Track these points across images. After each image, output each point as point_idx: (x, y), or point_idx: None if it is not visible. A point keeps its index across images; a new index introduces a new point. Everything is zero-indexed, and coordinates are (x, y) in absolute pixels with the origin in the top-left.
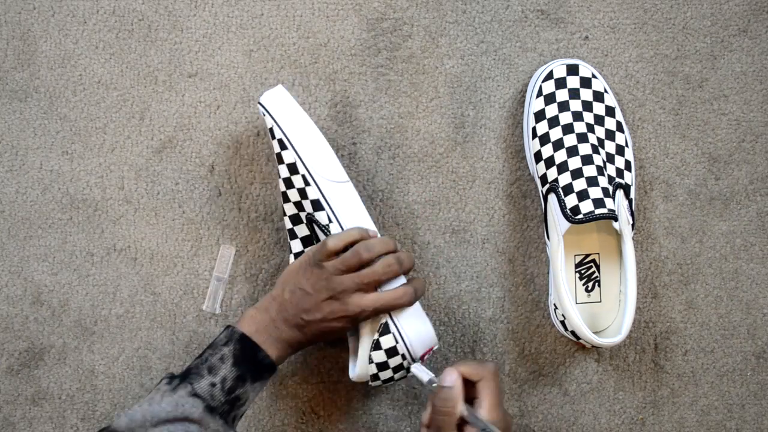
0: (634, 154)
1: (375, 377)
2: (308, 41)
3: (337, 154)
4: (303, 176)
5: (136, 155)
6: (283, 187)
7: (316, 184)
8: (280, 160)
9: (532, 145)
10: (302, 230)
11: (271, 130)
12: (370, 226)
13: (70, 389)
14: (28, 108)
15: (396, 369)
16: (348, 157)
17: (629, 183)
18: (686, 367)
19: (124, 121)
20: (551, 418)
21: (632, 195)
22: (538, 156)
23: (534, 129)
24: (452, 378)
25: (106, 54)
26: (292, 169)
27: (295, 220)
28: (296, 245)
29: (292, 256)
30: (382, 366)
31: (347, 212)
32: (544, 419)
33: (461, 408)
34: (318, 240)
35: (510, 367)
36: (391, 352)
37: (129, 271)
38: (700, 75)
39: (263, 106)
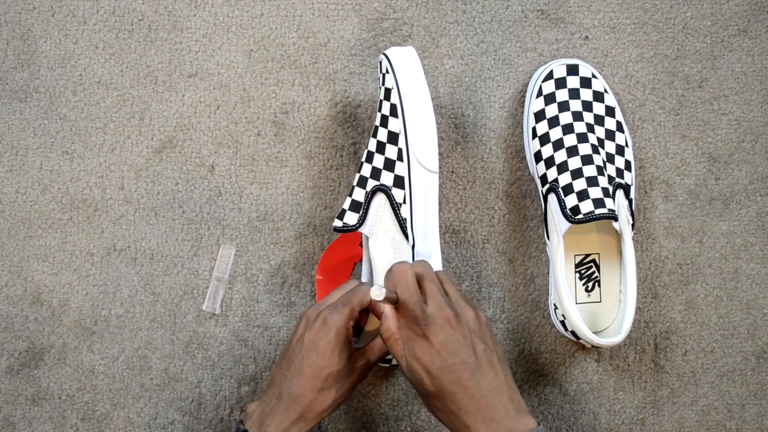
0: (634, 154)
1: None
2: (308, 41)
3: (336, 154)
4: (399, 150)
5: (136, 155)
6: (372, 148)
7: (408, 164)
8: (384, 123)
9: (532, 145)
10: (359, 194)
11: (387, 90)
12: (435, 221)
13: (70, 389)
14: (28, 108)
15: None
16: (348, 157)
17: (629, 183)
18: (686, 367)
19: (124, 121)
20: (551, 418)
21: (632, 195)
22: (538, 156)
23: (534, 129)
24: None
25: (106, 54)
26: (392, 138)
27: (361, 182)
28: (346, 203)
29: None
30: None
31: (423, 201)
32: (544, 419)
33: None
34: (366, 211)
35: (510, 367)
36: None
37: (129, 271)
38: (700, 75)
39: (390, 63)
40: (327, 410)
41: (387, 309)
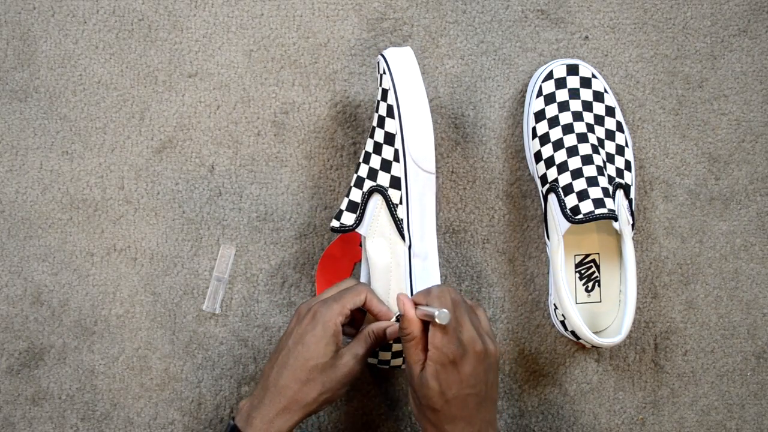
0: (634, 154)
1: (374, 354)
2: (308, 41)
3: (336, 154)
4: (396, 151)
5: (136, 155)
6: (369, 149)
7: (405, 165)
8: (380, 124)
9: (532, 145)
10: (356, 194)
11: (384, 91)
12: (432, 221)
13: (70, 389)
14: (28, 108)
15: (395, 354)
16: (348, 157)
17: (629, 183)
18: (686, 367)
19: (124, 121)
20: (551, 418)
21: (632, 195)
22: (538, 156)
23: (534, 129)
24: (401, 305)
25: (106, 54)
26: (389, 139)
27: (358, 182)
28: (343, 203)
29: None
30: (386, 346)
31: (420, 202)
32: (544, 419)
33: (423, 310)
34: (363, 211)
35: (510, 367)
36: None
37: (129, 271)
38: (700, 75)
39: (387, 63)
40: (312, 404)
41: (415, 314)
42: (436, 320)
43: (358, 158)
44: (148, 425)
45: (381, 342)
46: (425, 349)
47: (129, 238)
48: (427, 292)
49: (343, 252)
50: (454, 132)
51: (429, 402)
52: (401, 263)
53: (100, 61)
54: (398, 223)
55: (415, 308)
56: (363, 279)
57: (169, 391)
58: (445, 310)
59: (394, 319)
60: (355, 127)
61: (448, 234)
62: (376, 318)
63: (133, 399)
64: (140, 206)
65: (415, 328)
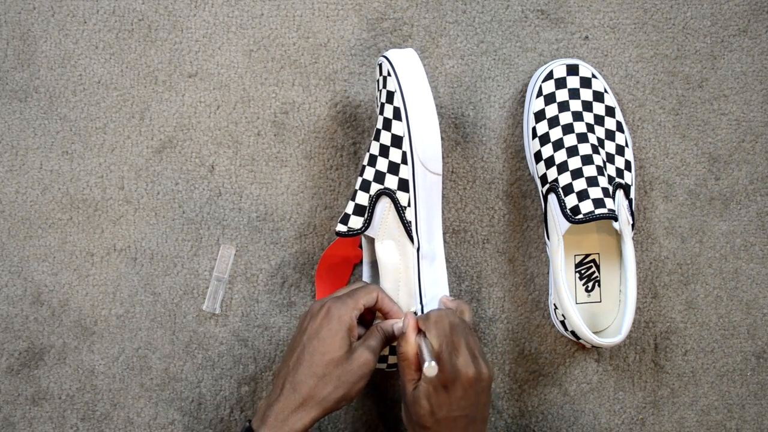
0: (634, 154)
1: (383, 359)
2: (308, 41)
3: (336, 154)
4: (404, 153)
5: (136, 155)
6: (375, 151)
7: (413, 167)
8: (387, 127)
9: (532, 145)
10: (362, 198)
11: (390, 93)
12: (438, 222)
13: (70, 389)
14: (28, 108)
15: None
16: (348, 157)
17: (629, 183)
18: (686, 367)
19: (124, 121)
20: (551, 418)
21: (632, 195)
22: (538, 156)
23: (534, 129)
24: (405, 323)
25: (106, 54)
26: (396, 142)
27: (364, 186)
28: (349, 207)
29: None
30: (394, 349)
31: (427, 204)
32: (544, 419)
33: (420, 344)
34: (371, 215)
35: (510, 367)
36: None
37: (129, 271)
38: (700, 75)
39: (392, 65)
40: (328, 400)
41: (410, 334)
42: (424, 371)
43: (362, 161)
44: (148, 425)
45: (391, 339)
46: (419, 369)
47: (129, 238)
48: (426, 317)
49: (343, 253)
50: (454, 132)
51: (420, 419)
52: (410, 265)
53: (100, 61)
54: (407, 226)
55: (417, 333)
56: (365, 279)
57: (169, 391)
58: (433, 363)
59: (402, 320)
60: (355, 127)
61: (448, 234)
62: (387, 316)
63: (133, 399)
64: (140, 206)
65: (412, 349)
